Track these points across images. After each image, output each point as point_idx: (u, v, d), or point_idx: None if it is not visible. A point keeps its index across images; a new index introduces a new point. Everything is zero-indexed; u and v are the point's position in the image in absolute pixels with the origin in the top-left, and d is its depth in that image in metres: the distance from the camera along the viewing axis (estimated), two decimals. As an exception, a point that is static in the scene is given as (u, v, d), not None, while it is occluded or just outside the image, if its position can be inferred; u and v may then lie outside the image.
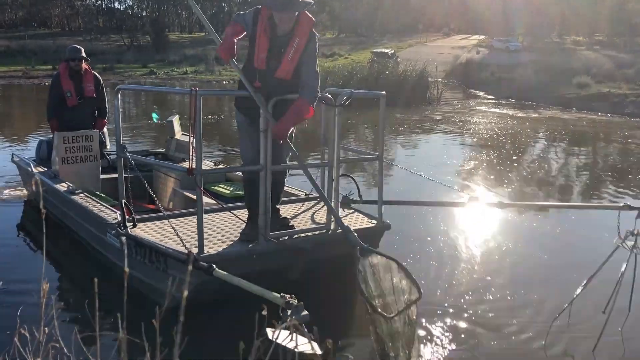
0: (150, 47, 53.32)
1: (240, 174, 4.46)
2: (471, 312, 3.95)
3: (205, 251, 3.51)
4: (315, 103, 3.71)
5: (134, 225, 3.98)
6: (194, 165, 3.44)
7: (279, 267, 3.74)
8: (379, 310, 3.15)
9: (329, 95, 3.98)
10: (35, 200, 6.25)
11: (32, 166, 5.98)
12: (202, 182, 5.33)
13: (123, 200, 4.01)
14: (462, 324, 3.77)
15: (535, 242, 5.59)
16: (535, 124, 16.04)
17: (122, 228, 3.86)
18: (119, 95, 4.19)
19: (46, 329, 1.44)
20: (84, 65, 5.90)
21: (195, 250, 3.48)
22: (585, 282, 3.47)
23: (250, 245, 3.71)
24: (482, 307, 4.04)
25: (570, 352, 3.46)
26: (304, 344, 2.03)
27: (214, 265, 3.16)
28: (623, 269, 3.41)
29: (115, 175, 4.65)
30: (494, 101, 23.42)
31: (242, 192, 4.49)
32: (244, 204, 4.18)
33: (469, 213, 5.83)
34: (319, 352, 1.98)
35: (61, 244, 5.20)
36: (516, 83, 26.38)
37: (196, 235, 3.57)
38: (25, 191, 6.74)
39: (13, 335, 1.59)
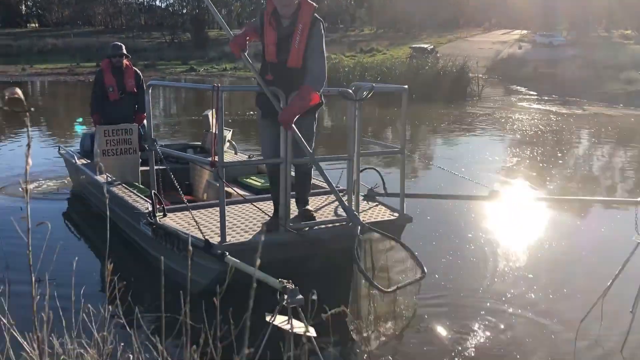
0: (191, 44, 54.13)
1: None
2: (494, 305, 3.93)
3: (227, 240, 3.65)
4: (321, 88, 3.72)
5: (164, 215, 4.14)
6: (216, 159, 3.59)
7: (300, 256, 3.83)
8: (376, 283, 3.19)
9: (350, 90, 4.03)
10: (79, 191, 6.54)
11: (75, 158, 6.25)
12: (235, 175, 5.58)
13: (153, 191, 4.18)
14: (484, 317, 3.75)
15: (560, 236, 5.49)
16: (579, 121, 15.60)
17: (152, 217, 4.03)
18: (150, 91, 4.41)
19: (110, 306, 1.52)
20: (125, 61, 6.14)
21: (218, 239, 3.62)
22: (610, 281, 3.40)
23: (271, 235, 3.78)
24: (504, 301, 4.01)
25: (598, 352, 3.37)
26: (299, 327, 2.10)
27: (227, 253, 3.30)
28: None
29: (156, 168, 4.98)
30: (536, 97, 22.88)
31: (259, 182, 4.73)
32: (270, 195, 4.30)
33: (496, 207, 5.74)
34: (313, 334, 2.04)
35: (101, 232, 5.34)
36: (559, 79, 25.72)
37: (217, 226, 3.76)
38: (71, 182, 7.04)
39: (81, 310, 1.68)
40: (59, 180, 7.37)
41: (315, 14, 3.77)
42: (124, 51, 6.14)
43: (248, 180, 5.50)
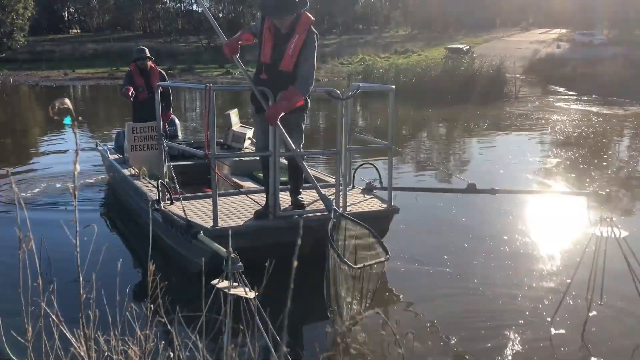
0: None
1: (284, 161, 4.92)
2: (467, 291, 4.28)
3: (219, 224, 4.02)
4: (307, 93, 4.15)
5: (171, 203, 4.55)
6: (209, 151, 4.04)
7: (289, 242, 3.87)
8: (345, 259, 3.50)
9: (337, 90, 4.43)
10: (113, 184, 7.02)
11: (108, 153, 6.86)
12: (250, 169, 6.32)
13: (160, 181, 4.62)
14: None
15: (528, 226, 5.85)
16: (621, 121, 15.17)
17: (157, 204, 4.43)
18: (159, 91, 4.92)
19: (152, 305, 1.58)
20: (150, 63, 6.57)
21: (211, 224, 4.04)
22: (574, 271, 3.65)
23: (261, 222, 4.20)
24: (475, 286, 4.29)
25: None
26: (239, 289, 2.43)
27: (201, 232, 3.75)
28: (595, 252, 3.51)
29: (179, 163, 5.96)
30: (575, 98, 22.36)
31: (282, 178, 4.96)
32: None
33: (476, 198, 6.00)
34: (252, 296, 2.31)
35: (133, 227, 5.69)
36: (600, 78, 25.05)
37: (222, 213, 4.22)
38: (107, 176, 7.50)
39: (124, 308, 1.75)
40: (99, 175, 7.84)
41: (312, 27, 4.18)
42: (147, 54, 6.60)
43: (260, 174, 5.76)
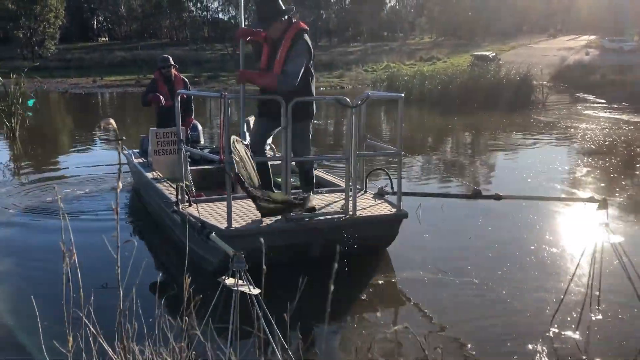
0: (252, 56, 55.16)
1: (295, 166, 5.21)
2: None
3: (232, 226, 4.21)
4: (283, 86, 4.42)
5: (189, 205, 4.71)
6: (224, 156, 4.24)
7: (301, 244, 4.34)
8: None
9: (346, 98, 4.58)
10: (138, 187, 7.14)
11: (133, 157, 7.12)
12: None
13: (179, 184, 4.79)
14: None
15: (530, 232, 5.85)
16: (653, 130, 14.85)
17: (176, 206, 4.62)
18: (178, 98, 5.13)
19: (186, 318, 1.59)
20: (174, 71, 6.80)
21: (225, 225, 4.22)
22: (572, 274, 3.94)
23: (273, 223, 4.33)
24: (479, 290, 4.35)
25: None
26: (243, 286, 2.61)
27: (213, 232, 3.78)
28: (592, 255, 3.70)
29: (200, 167, 6.23)
30: (605, 105, 21.95)
31: (297, 183, 5.17)
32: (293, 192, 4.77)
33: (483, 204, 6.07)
34: (255, 292, 2.52)
35: (154, 233, 5.81)
36: (631, 86, 24.58)
37: (237, 216, 4.44)
38: (132, 179, 7.67)
39: (156, 320, 1.77)
40: (125, 178, 7.97)
41: (304, 34, 4.55)
42: (172, 62, 6.88)
43: (277, 179, 5.85)
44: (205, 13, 77.97)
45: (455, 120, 16.44)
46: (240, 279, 2.71)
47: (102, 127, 3.89)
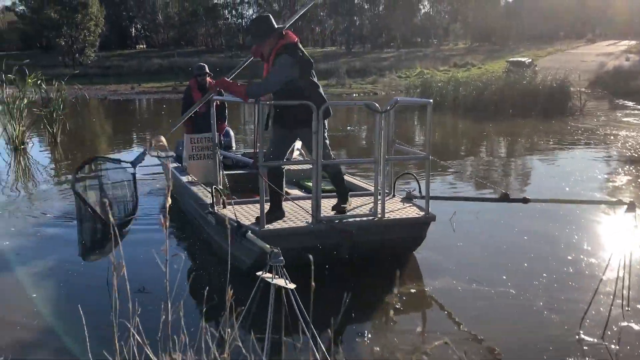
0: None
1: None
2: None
3: (265, 227, 4.40)
4: (255, 93, 4.58)
5: (224, 207, 4.93)
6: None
7: (331, 245, 4.48)
8: None
9: (376, 104, 4.73)
10: (174, 191, 7.24)
11: (169, 162, 7.27)
12: (298, 178, 6.86)
13: (214, 187, 4.99)
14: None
15: (563, 238, 5.82)
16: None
17: (211, 208, 4.83)
18: (213, 104, 5.45)
19: (229, 329, 1.63)
20: (208, 79, 7.03)
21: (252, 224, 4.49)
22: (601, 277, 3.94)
23: (304, 225, 4.54)
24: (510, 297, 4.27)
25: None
26: (280, 280, 2.78)
27: (249, 231, 4.07)
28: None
29: (233, 172, 6.47)
30: (646, 112, 21.38)
31: (327, 187, 5.28)
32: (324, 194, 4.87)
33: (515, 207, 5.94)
34: (291, 287, 2.68)
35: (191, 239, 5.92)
36: (673, 92, 23.84)
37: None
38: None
39: (200, 331, 1.81)
40: (161, 181, 8.44)
41: (287, 46, 4.62)
42: (207, 70, 7.13)
43: (308, 183, 6.20)
44: (240, 20, 78.94)
45: (490, 127, 16.25)
46: (277, 274, 2.89)
47: (153, 144, 4.13)
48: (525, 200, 4.95)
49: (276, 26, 4.72)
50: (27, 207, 7.31)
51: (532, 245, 5.63)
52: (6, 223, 6.54)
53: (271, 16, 4.83)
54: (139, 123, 20.72)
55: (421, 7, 76.73)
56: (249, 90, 4.62)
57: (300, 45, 4.79)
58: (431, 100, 4.99)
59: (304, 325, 2.32)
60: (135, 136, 15.07)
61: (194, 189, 5.81)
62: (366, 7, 74.73)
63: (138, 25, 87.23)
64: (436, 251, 5.18)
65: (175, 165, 7.22)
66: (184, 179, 6.35)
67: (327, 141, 4.84)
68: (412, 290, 4.53)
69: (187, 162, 6.55)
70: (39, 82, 13.06)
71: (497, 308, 4.24)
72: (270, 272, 2.89)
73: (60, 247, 5.72)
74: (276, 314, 2.40)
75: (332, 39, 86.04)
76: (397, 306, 4.23)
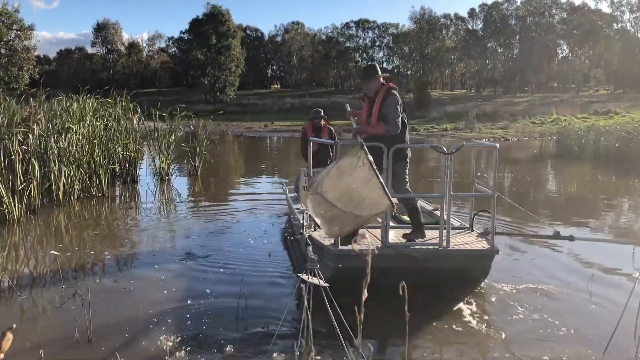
0: (413, 104, 55.76)
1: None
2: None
3: (339, 247, 5.01)
4: (389, 131, 5.22)
5: (315, 230, 5.55)
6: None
7: (397, 268, 4.79)
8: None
9: (442, 146, 5.27)
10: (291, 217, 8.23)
11: (287, 192, 8.59)
12: (399, 211, 6.93)
13: (305, 211, 5.53)
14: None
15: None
16: None
17: (302, 229, 5.54)
18: (311, 144, 5.88)
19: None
20: (322, 122, 7.98)
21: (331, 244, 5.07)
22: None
23: (373, 248, 4.92)
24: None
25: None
26: (314, 279, 3.39)
27: (308, 237, 5.19)
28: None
29: None
30: None
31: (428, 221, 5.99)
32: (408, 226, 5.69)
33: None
34: (324, 285, 3.29)
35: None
36: None
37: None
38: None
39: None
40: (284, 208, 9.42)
41: (390, 89, 5.36)
42: (322, 114, 8.01)
43: (404, 216, 6.50)
44: (369, 62, 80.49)
45: (636, 182, 14.94)
46: (315, 276, 3.51)
47: (357, 241, 4.85)
48: (571, 238, 5.48)
49: (380, 73, 5.49)
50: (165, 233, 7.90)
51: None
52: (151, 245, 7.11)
53: (377, 65, 5.69)
54: (269, 159, 21.71)
55: (559, 51, 73.60)
56: (386, 128, 5.27)
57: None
58: (497, 145, 5.51)
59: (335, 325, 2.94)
60: (265, 176, 15.82)
61: (299, 215, 6.49)
62: (499, 50, 73.03)
63: (274, 67, 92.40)
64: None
65: (293, 195, 8.22)
66: (295, 206, 7.16)
67: (407, 177, 5.45)
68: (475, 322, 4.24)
69: (300, 192, 7.14)
70: (187, 119, 14.23)
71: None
72: (306, 273, 3.45)
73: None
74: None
75: (461, 82, 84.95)
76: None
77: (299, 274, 3.20)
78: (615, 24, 69.34)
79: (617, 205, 11.60)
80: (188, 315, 4.84)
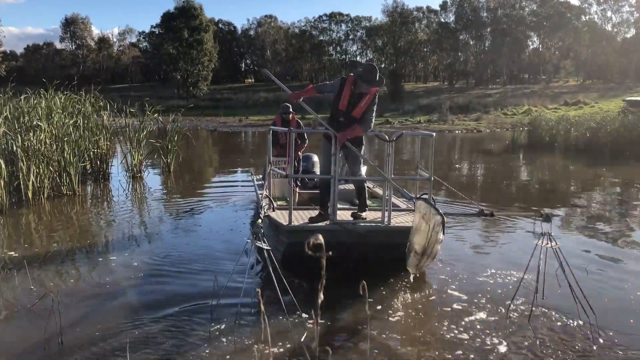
0: (387, 97, 55.96)
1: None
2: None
3: (291, 223, 5.54)
4: (366, 131, 5.85)
5: (273, 210, 6.16)
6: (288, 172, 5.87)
7: (344, 244, 5.38)
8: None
9: (384, 134, 6.07)
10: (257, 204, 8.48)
11: (254, 180, 9.11)
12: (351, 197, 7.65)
13: (264, 193, 6.59)
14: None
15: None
16: None
17: (262, 209, 5.74)
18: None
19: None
20: (291, 116, 8.61)
21: (286, 223, 5.58)
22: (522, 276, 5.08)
23: (322, 225, 5.62)
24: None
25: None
26: (259, 243, 3.95)
27: (262, 215, 5.28)
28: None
29: (309, 191, 7.91)
30: None
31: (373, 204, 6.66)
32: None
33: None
34: (266, 247, 4.07)
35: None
36: None
37: (302, 219, 5.83)
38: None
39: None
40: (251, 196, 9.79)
41: (376, 94, 5.91)
42: (290, 109, 8.59)
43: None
44: (344, 56, 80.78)
45: (604, 171, 15.25)
46: (259, 240, 4.18)
47: (311, 243, 4.71)
48: (492, 214, 5.81)
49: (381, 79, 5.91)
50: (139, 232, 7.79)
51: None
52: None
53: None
54: (243, 154, 21.57)
55: (529, 43, 74.55)
56: (364, 129, 5.81)
57: None
58: (434, 134, 6.15)
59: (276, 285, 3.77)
60: (240, 169, 15.73)
61: (261, 197, 6.90)
62: (471, 42, 73.69)
63: (248, 61, 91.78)
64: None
65: (261, 182, 8.62)
66: (259, 191, 7.67)
67: (361, 159, 5.95)
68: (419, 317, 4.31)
69: (266, 180, 7.34)
70: (156, 115, 14.04)
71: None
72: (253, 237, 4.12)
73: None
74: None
75: (434, 75, 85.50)
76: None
77: (247, 239, 3.34)
78: (583, 16, 70.53)
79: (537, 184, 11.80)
80: (161, 315, 4.79)
